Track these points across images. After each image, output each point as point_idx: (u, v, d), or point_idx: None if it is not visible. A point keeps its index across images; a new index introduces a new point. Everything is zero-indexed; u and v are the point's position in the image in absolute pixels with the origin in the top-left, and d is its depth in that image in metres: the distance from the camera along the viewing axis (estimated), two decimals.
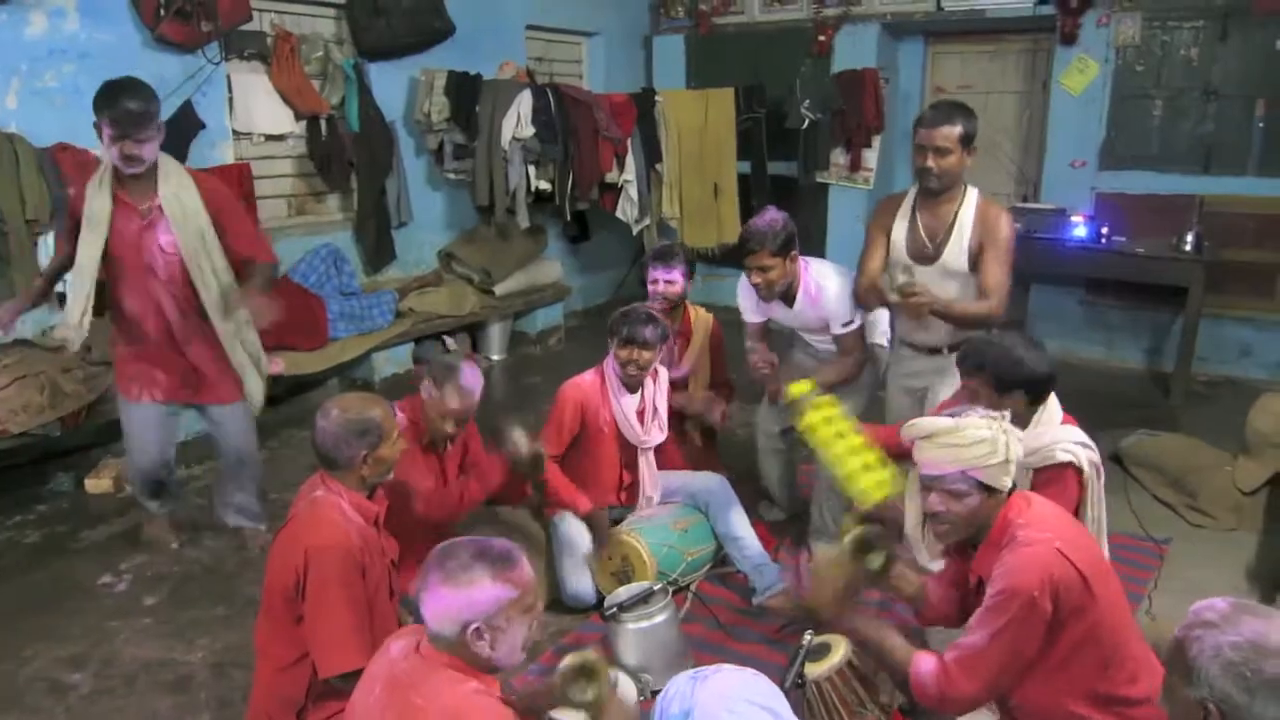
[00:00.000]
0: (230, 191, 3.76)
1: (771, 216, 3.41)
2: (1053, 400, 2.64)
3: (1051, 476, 2.55)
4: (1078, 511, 2.57)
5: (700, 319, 4.10)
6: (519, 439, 3.12)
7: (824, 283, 3.49)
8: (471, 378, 3.08)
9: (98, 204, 3.27)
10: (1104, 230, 5.85)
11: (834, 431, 2.87)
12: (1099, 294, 6.41)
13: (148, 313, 3.40)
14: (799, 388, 3.07)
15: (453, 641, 1.77)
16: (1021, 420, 2.55)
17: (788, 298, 3.54)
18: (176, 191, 3.32)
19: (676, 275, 3.92)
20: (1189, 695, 1.42)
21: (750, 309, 3.74)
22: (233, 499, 3.79)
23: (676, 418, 3.91)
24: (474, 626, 1.74)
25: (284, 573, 2.22)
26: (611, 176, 6.65)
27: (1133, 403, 5.64)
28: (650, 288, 3.97)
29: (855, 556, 2.35)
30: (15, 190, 4.21)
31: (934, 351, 3.34)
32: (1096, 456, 2.61)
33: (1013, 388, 2.54)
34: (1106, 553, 2.62)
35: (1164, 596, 3.42)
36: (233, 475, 3.74)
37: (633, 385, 3.47)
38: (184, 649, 3.17)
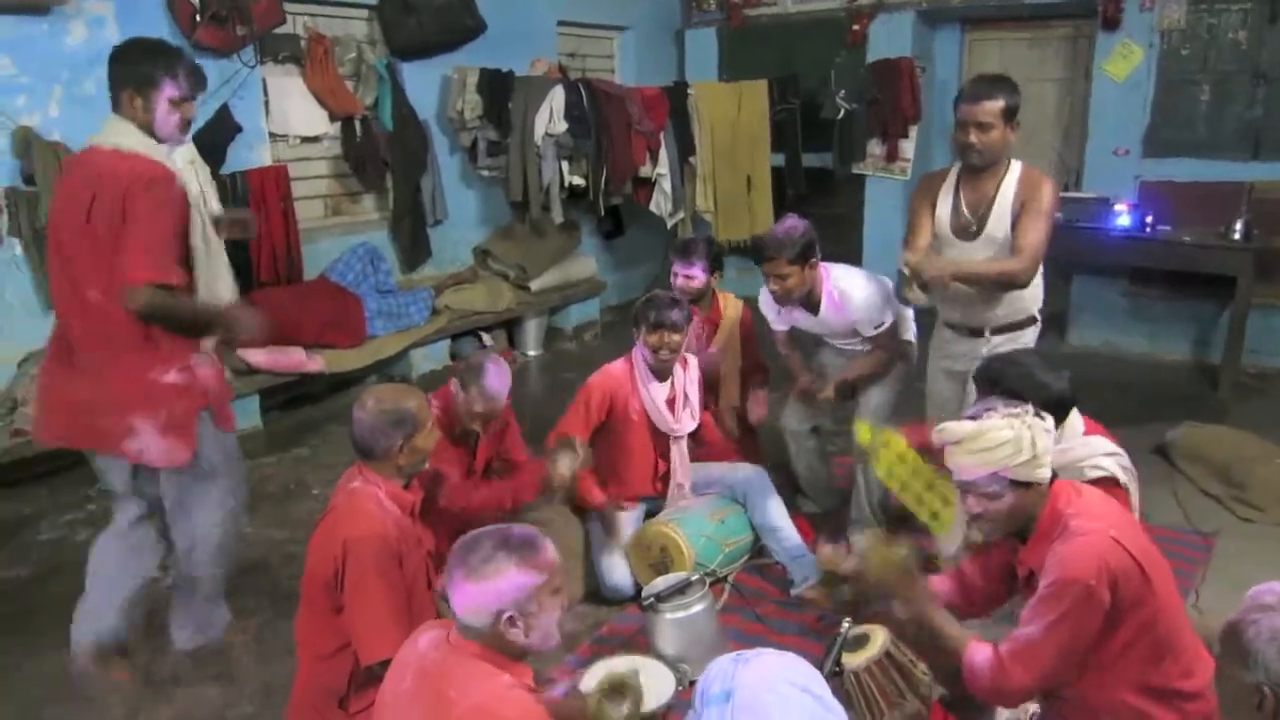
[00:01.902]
0: None
1: (791, 224, 3.38)
2: (1073, 414, 2.56)
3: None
4: None
5: (731, 306, 4.08)
6: (564, 468, 3.16)
7: (847, 289, 3.45)
8: (496, 381, 3.11)
9: (191, 188, 2.70)
10: (1148, 219, 5.73)
11: (909, 470, 2.80)
12: (1143, 284, 6.28)
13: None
14: (864, 434, 3.00)
15: (485, 632, 1.77)
16: None
17: (810, 305, 3.51)
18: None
19: (696, 271, 3.90)
20: (1244, 679, 1.39)
21: (774, 318, 3.72)
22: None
23: (713, 406, 3.91)
24: (506, 615, 1.75)
25: (323, 563, 2.25)
26: (645, 170, 6.66)
27: (1179, 395, 5.52)
28: (672, 282, 3.96)
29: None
30: None
31: (975, 333, 3.26)
32: (1127, 461, 2.56)
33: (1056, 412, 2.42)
34: None
35: (1211, 590, 3.34)
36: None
37: (662, 373, 3.47)
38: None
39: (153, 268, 2.51)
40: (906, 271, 3.02)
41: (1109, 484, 2.48)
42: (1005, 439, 1.99)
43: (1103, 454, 2.52)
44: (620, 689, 2.20)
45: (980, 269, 3.06)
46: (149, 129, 2.60)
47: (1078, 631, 1.95)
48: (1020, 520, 2.08)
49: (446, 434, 3.09)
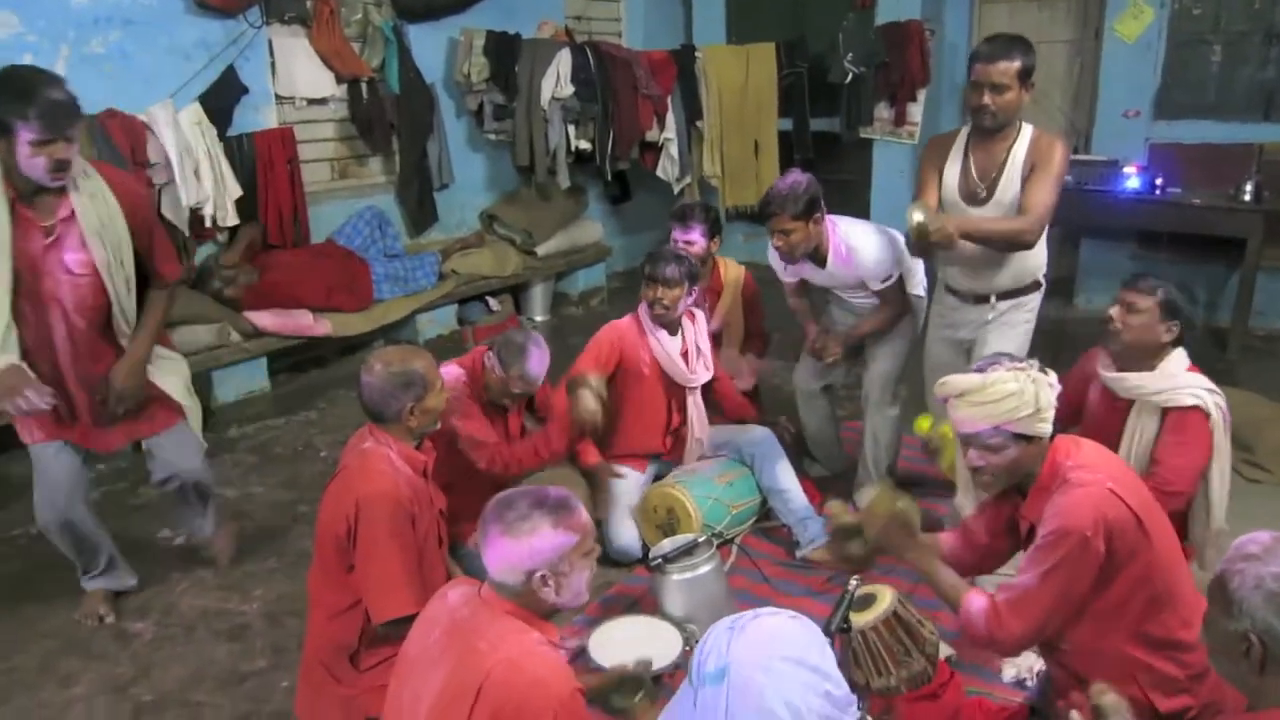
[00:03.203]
0: (145, 192, 3.15)
1: (794, 179, 3.34)
2: (1180, 350, 2.68)
3: (1179, 421, 2.59)
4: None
5: (731, 273, 4.07)
6: (590, 401, 3.16)
7: (854, 243, 3.41)
8: (538, 365, 3.09)
9: None
10: (1158, 181, 5.69)
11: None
12: (1152, 247, 6.24)
13: (40, 346, 2.73)
14: (924, 425, 3.01)
15: (517, 589, 1.80)
16: (1151, 360, 2.65)
17: (818, 259, 3.49)
18: (92, 196, 2.67)
19: (695, 235, 3.87)
20: (1230, 627, 1.42)
21: (782, 269, 3.69)
22: (189, 523, 3.40)
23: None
24: (539, 574, 1.77)
25: (335, 522, 2.26)
26: (652, 135, 6.61)
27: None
28: (673, 248, 3.94)
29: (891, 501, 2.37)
30: None
31: (980, 300, 3.23)
32: (1224, 403, 2.63)
33: (1174, 317, 2.62)
34: (1224, 505, 2.69)
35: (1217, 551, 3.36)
36: (182, 499, 3.27)
37: (669, 326, 3.47)
38: (240, 599, 3.27)
39: None
40: (916, 219, 2.96)
41: (1200, 414, 2.58)
42: (1010, 391, 2.01)
43: (1202, 388, 2.62)
44: (633, 685, 2.26)
45: (988, 226, 3.03)
46: (17, 171, 2.52)
47: (1072, 581, 1.97)
48: (1020, 474, 2.10)
49: (477, 403, 3.11)
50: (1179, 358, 2.66)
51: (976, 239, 3.04)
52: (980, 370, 2.09)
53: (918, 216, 2.89)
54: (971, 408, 2.04)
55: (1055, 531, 1.97)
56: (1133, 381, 2.66)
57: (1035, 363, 2.09)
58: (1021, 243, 3.04)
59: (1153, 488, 2.25)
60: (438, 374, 2.44)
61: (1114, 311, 2.68)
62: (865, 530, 2.36)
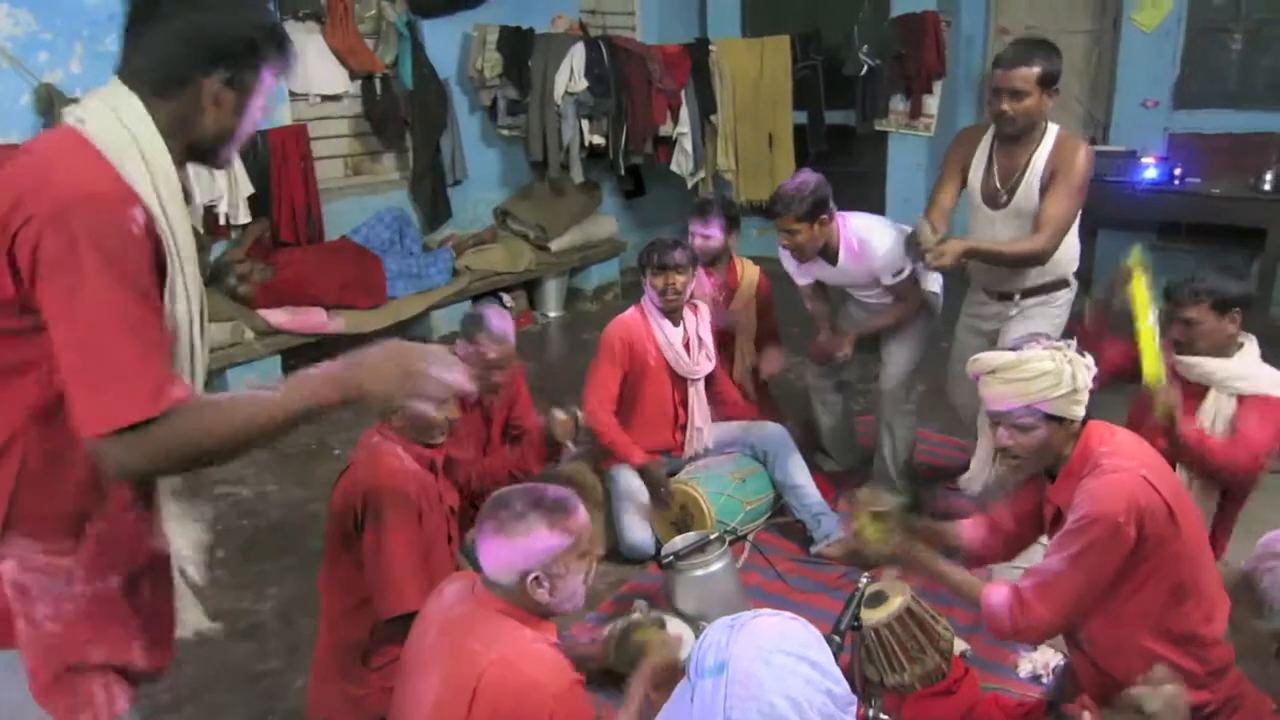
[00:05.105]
0: None
1: (801, 179, 3.32)
2: (1253, 343, 2.69)
3: (1262, 402, 2.59)
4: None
5: (747, 272, 4.05)
6: (562, 414, 3.04)
7: (866, 237, 3.39)
8: (499, 322, 3.03)
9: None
10: (1177, 171, 5.64)
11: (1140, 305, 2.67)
12: (1171, 238, 6.18)
13: None
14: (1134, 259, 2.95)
15: (511, 589, 1.79)
16: (1224, 349, 2.64)
17: (829, 256, 3.47)
18: None
19: (714, 230, 3.86)
20: (1260, 627, 1.39)
21: (795, 271, 3.68)
22: None
23: (728, 369, 3.90)
24: (532, 575, 1.76)
25: (343, 516, 2.26)
26: (665, 129, 6.59)
27: None
28: (690, 242, 3.91)
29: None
30: None
31: (1004, 297, 3.24)
32: None
33: (1231, 306, 2.60)
34: None
35: (1237, 544, 3.30)
36: None
37: (674, 316, 3.46)
38: (254, 599, 3.27)
39: None
40: (921, 240, 3.02)
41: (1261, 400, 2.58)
42: (1045, 370, 1.98)
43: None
44: (638, 629, 2.25)
45: (997, 249, 3.04)
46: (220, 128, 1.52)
47: (1102, 567, 1.95)
48: (1049, 457, 2.07)
49: (460, 404, 3.07)
50: (1253, 350, 2.67)
51: (987, 260, 3.04)
52: (1015, 348, 2.07)
53: (924, 232, 2.99)
54: (1004, 384, 2.02)
55: (1086, 516, 1.94)
56: (1209, 367, 2.64)
57: (1073, 344, 2.07)
58: (1036, 262, 3.05)
59: (1229, 453, 2.36)
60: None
61: (1177, 334, 2.66)
62: (862, 549, 2.36)
